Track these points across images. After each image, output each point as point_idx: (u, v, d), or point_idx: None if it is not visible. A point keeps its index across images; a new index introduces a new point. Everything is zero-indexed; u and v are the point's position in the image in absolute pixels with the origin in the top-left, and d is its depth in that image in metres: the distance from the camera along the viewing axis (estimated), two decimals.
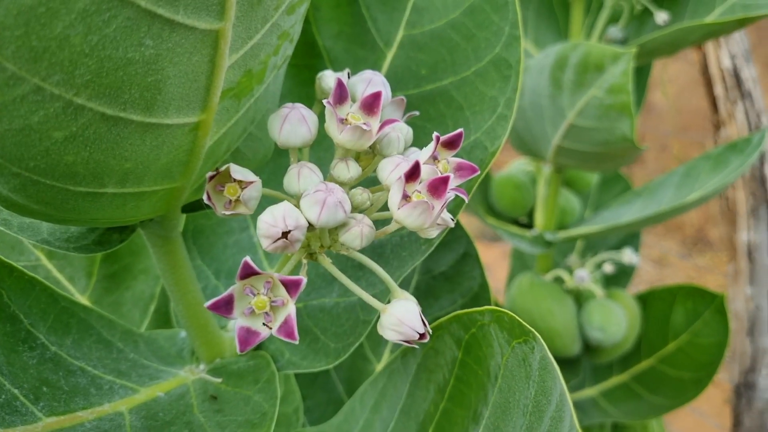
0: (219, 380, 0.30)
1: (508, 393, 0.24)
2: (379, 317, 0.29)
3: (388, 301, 0.25)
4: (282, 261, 0.27)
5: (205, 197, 0.22)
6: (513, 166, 0.87)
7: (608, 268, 0.79)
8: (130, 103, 0.18)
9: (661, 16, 0.70)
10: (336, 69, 0.35)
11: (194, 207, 0.29)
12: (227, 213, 0.21)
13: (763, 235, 1.51)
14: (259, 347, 0.32)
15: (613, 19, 0.79)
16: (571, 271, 0.81)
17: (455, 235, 0.41)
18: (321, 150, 0.34)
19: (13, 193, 0.20)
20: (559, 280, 0.79)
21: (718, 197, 1.71)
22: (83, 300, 0.37)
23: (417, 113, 0.29)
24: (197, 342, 0.31)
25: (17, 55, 0.15)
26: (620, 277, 0.87)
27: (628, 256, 0.79)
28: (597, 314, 0.74)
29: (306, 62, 0.35)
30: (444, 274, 0.41)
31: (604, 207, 0.92)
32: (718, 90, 1.50)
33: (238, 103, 0.23)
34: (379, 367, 0.45)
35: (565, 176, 0.87)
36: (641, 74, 0.80)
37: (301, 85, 0.35)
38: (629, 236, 0.89)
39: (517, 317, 0.23)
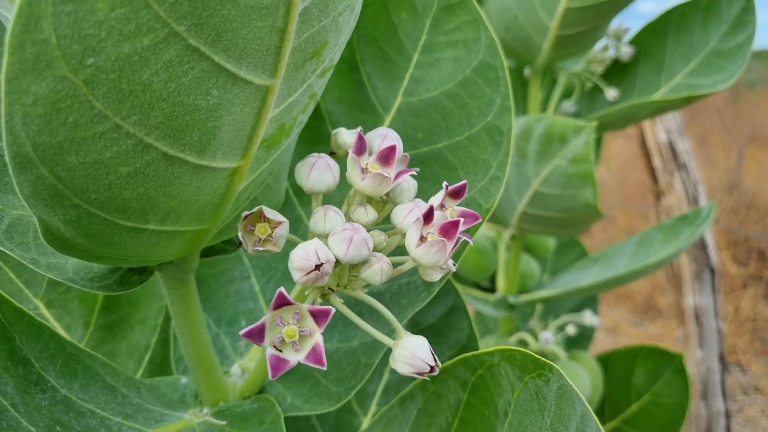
0: (224, 423, 0.30)
1: (519, 427, 0.26)
2: (379, 359, 0.31)
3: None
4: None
5: (239, 234, 0.24)
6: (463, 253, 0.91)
7: (571, 329, 0.82)
8: (189, 145, 0.20)
9: (610, 93, 0.77)
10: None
11: (209, 252, 0.30)
12: (259, 249, 0.23)
13: (708, 298, 1.58)
14: (261, 391, 0.33)
15: (566, 95, 0.86)
16: (534, 333, 0.84)
17: (444, 288, 0.43)
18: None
19: (65, 225, 0.21)
20: (523, 343, 0.81)
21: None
22: None
23: (417, 170, 0.32)
24: (203, 385, 0.31)
25: (107, 96, 0.17)
26: (580, 340, 0.90)
27: (588, 318, 0.82)
28: None
29: (309, 123, 0.37)
30: (432, 326, 0.43)
31: (562, 271, 0.96)
32: (657, 162, 1.61)
33: (267, 153, 0.25)
34: (366, 421, 0.45)
35: (525, 242, 0.91)
36: (595, 146, 0.86)
37: (303, 143, 0.38)
38: (587, 300, 0.93)
39: (530, 352, 0.25)
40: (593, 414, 0.21)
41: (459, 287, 0.83)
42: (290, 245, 0.37)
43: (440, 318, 0.43)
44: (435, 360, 0.25)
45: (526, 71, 0.79)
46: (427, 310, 0.43)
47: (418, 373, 0.25)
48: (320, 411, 0.31)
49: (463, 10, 0.36)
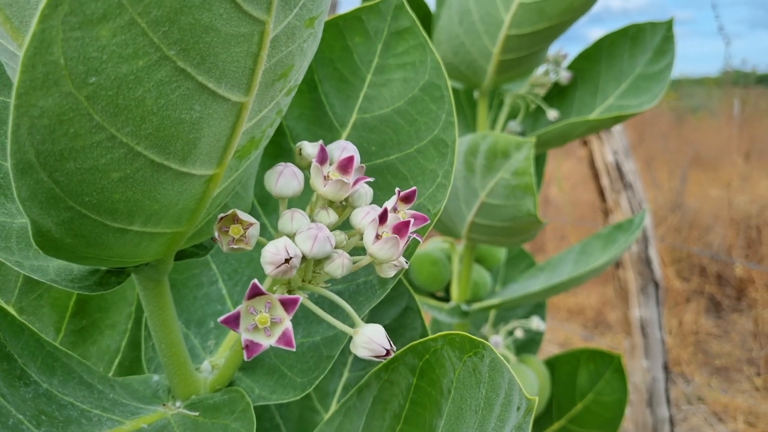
0: (196, 413, 0.33)
1: (461, 401, 0.29)
2: (340, 351, 0.34)
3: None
4: None
5: (216, 234, 0.26)
6: (429, 244, 0.95)
7: (519, 333, 0.87)
8: (173, 153, 0.23)
9: (551, 114, 0.83)
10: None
11: (182, 255, 0.33)
12: (234, 247, 0.26)
13: (653, 310, 1.66)
14: (230, 385, 0.36)
15: (512, 116, 0.92)
16: (486, 339, 0.88)
17: (398, 291, 0.47)
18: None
19: (57, 226, 0.23)
20: None
21: (612, 278, 1.87)
22: None
23: (373, 178, 0.35)
24: (175, 380, 0.34)
25: (105, 109, 0.20)
26: (530, 345, 0.95)
27: (536, 323, 0.87)
28: None
29: (272, 138, 0.40)
30: (387, 326, 0.46)
31: (512, 281, 1.01)
32: (605, 181, 1.69)
33: (239, 163, 0.28)
34: (325, 419, 0.48)
35: (477, 254, 0.95)
36: (539, 162, 0.92)
37: (267, 156, 0.41)
38: (536, 307, 0.98)
39: (467, 334, 0.29)
40: (517, 380, 0.25)
41: (416, 296, 0.87)
42: (256, 251, 0.39)
43: (395, 318, 0.46)
44: (390, 344, 0.28)
45: (475, 93, 0.84)
46: (382, 311, 0.47)
47: (375, 356, 0.28)
48: (286, 400, 0.34)
49: (411, 35, 0.40)
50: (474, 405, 0.28)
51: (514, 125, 0.90)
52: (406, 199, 0.30)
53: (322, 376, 0.35)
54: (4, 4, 0.24)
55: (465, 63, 0.78)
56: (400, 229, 0.27)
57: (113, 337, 0.40)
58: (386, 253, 0.27)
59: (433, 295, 0.94)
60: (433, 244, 0.95)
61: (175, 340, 0.33)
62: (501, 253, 1.01)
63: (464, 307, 0.88)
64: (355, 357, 0.49)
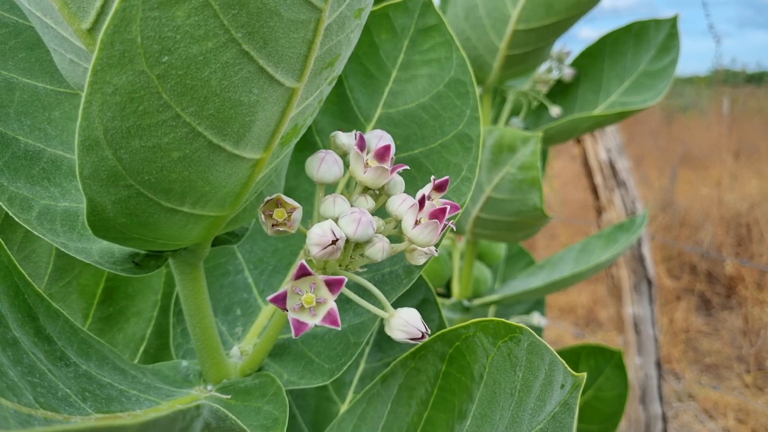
0: (228, 396, 0.33)
1: (494, 386, 0.30)
2: (368, 335, 0.34)
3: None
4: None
5: (261, 217, 0.27)
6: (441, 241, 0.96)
7: None
8: (229, 135, 0.23)
9: (554, 110, 0.84)
10: (322, 138, 0.42)
11: (216, 242, 0.33)
12: (279, 230, 0.27)
13: (646, 308, 1.68)
14: (260, 369, 0.36)
15: (515, 113, 0.93)
16: None
17: (415, 283, 0.47)
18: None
19: (113, 204, 0.24)
20: None
21: (606, 276, 1.89)
22: None
23: (408, 167, 0.36)
24: (207, 364, 0.34)
25: (173, 89, 0.21)
26: None
27: (536, 318, 0.88)
28: None
29: None
30: None
31: (511, 278, 1.02)
32: (598, 179, 1.71)
33: (281, 149, 0.28)
34: (344, 407, 0.49)
35: (477, 250, 0.96)
36: (541, 158, 0.93)
37: (294, 149, 0.41)
38: (535, 304, 0.99)
39: (502, 320, 0.30)
40: (560, 359, 0.25)
41: None
42: (280, 241, 0.40)
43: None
44: (425, 327, 0.29)
45: (479, 89, 0.84)
46: (401, 303, 0.47)
47: (411, 339, 0.29)
48: (315, 384, 0.35)
49: (437, 32, 0.40)
50: (509, 388, 0.29)
51: (517, 122, 0.91)
52: (439, 188, 0.31)
53: (350, 362, 0.35)
54: None
55: (470, 58, 0.78)
56: (437, 215, 0.28)
57: (139, 324, 0.40)
58: (426, 237, 0.27)
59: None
60: None
61: (209, 325, 0.33)
62: (501, 250, 1.02)
63: (465, 303, 0.89)
64: (371, 349, 0.50)
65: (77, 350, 0.31)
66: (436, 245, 0.34)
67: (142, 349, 0.40)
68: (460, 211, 0.33)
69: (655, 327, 1.81)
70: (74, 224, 0.30)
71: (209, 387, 0.34)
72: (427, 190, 0.29)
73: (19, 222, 0.28)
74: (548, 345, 0.27)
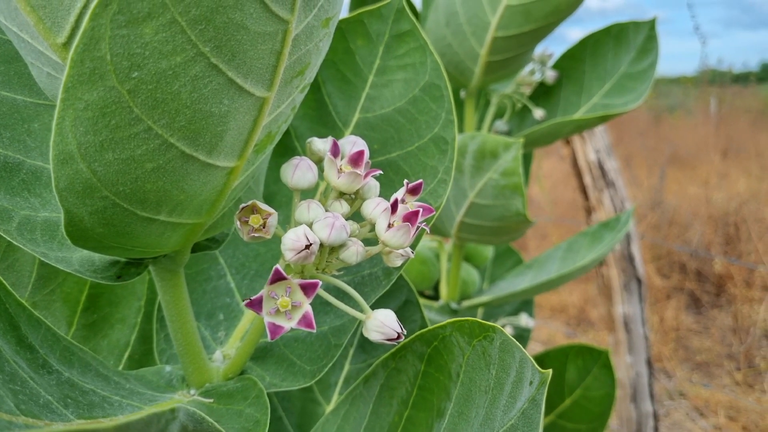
0: (210, 400, 0.34)
1: (470, 384, 0.31)
2: (348, 336, 0.35)
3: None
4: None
5: (237, 224, 0.28)
6: (419, 243, 0.97)
7: (509, 330, 0.89)
8: (202, 145, 0.24)
9: (538, 113, 0.85)
10: (301, 144, 0.43)
11: (196, 248, 0.34)
12: (254, 236, 0.28)
13: (636, 307, 1.70)
14: (242, 373, 0.37)
15: (499, 115, 0.94)
16: None
17: (397, 285, 0.48)
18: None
19: (90, 215, 0.25)
20: None
21: (595, 276, 1.90)
22: None
23: (381, 171, 0.37)
24: (190, 368, 0.35)
25: (144, 102, 0.21)
26: (518, 341, 0.97)
27: (524, 320, 0.89)
28: None
29: None
30: None
31: (499, 279, 1.03)
32: (587, 180, 1.73)
33: (256, 156, 0.29)
34: (329, 409, 0.49)
35: (465, 252, 0.97)
36: (525, 160, 0.94)
37: (273, 155, 0.42)
38: (523, 304, 1.00)
39: (477, 319, 0.30)
40: (529, 356, 0.26)
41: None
42: (262, 246, 0.41)
43: (395, 311, 0.48)
44: (401, 328, 0.30)
45: (462, 93, 0.85)
46: (383, 304, 0.48)
47: (387, 339, 0.29)
48: (297, 387, 0.35)
49: (412, 38, 0.41)
50: (484, 386, 0.30)
51: (501, 124, 0.92)
52: (413, 191, 0.31)
53: (330, 364, 0.36)
54: (37, 5, 0.25)
55: (452, 64, 0.79)
56: (410, 218, 0.29)
57: (123, 331, 0.41)
58: (398, 240, 0.28)
59: (422, 294, 0.95)
60: (422, 243, 0.97)
61: (191, 330, 0.34)
62: (488, 252, 1.02)
63: (453, 305, 0.89)
64: (355, 350, 0.51)
65: (60, 358, 0.32)
66: (413, 247, 0.34)
67: (126, 355, 0.41)
68: (435, 213, 0.34)
69: (645, 325, 1.82)
70: (54, 234, 0.30)
71: (192, 391, 0.35)
72: (400, 193, 0.30)
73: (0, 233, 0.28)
74: (518, 343, 0.27)
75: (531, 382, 0.26)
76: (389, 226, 0.29)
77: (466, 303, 0.89)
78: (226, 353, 0.37)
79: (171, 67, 0.21)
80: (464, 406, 0.31)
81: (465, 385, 0.32)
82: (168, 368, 0.37)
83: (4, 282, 0.29)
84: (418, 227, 0.29)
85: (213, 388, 0.35)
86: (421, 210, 0.29)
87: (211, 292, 0.40)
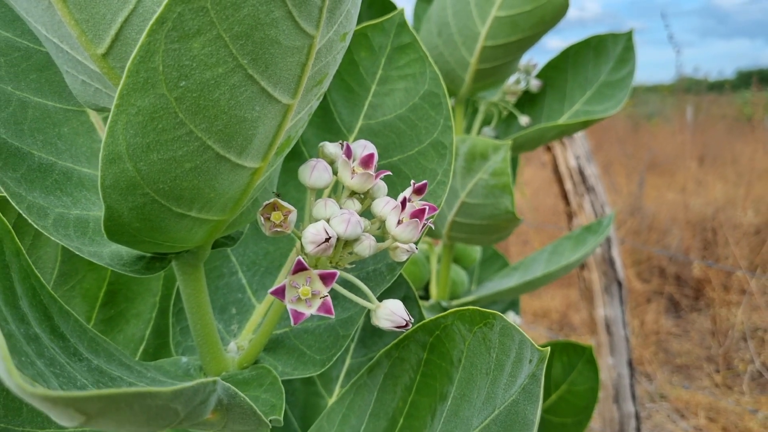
0: (229, 386, 0.36)
1: (471, 368, 0.34)
2: (355, 327, 0.38)
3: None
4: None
5: (260, 220, 0.30)
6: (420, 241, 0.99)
7: None
8: (234, 147, 0.27)
9: (523, 119, 0.89)
10: (308, 149, 0.45)
11: (215, 245, 0.36)
12: (276, 230, 0.30)
13: (617, 309, 1.74)
14: (256, 362, 0.39)
15: (486, 122, 0.97)
16: None
17: (397, 282, 0.51)
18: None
19: (130, 211, 0.27)
20: None
21: (576, 281, 1.94)
22: None
23: (390, 173, 0.39)
24: (207, 358, 0.37)
25: (188, 108, 0.24)
26: None
27: (512, 318, 0.92)
28: None
29: None
30: None
31: (487, 280, 1.06)
32: (568, 185, 1.77)
33: (276, 159, 0.32)
34: (331, 401, 0.52)
35: (454, 253, 1.00)
36: (512, 165, 0.97)
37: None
38: (510, 304, 1.03)
39: (478, 308, 0.33)
40: (528, 338, 0.29)
41: None
42: (271, 244, 0.43)
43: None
44: (409, 316, 0.32)
45: (452, 100, 0.89)
46: (382, 300, 0.50)
47: (396, 327, 0.32)
48: (308, 375, 0.38)
49: (412, 50, 0.44)
50: (485, 369, 0.33)
51: (489, 131, 0.95)
52: (418, 191, 0.34)
53: (339, 353, 0.39)
54: (81, 19, 0.27)
55: (443, 72, 0.83)
56: (418, 214, 0.32)
57: (138, 326, 0.43)
58: (407, 235, 0.31)
59: None
60: None
61: (209, 321, 0.36)
62: (476, 253, 1.06)
63: (443, 305, 0.92)
64: (356, 345, 0.53)
65: (87, 347, 0.34)
66: (417, 243, 0.37)
67: (141, 349, 0.43)
68: (438, 211, 0.36)
69: (626, 328, 1.87)
70: (86, 230, 0.33)
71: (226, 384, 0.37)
72: (407, 193, 0.33)
73: (38, 228, 0.30)
74: (518, 328, 0.30)
75: (530, 360, 0.28)
76: (399, 222, 0.31)
77: (455, 302, 0.92)
78: (239, 344, 0.40)
79: (214, 77, 0.23)
80: (466, 388, 0.34)
81: (466, 369, 0.34)
82: (185, 359, 0.39)
83: (38, 275, 0.31)
84: (424, 223, 0.32)
85: (230, 376, 0.37)
86: (427, 207, 0.32)
87: (224, 288, 0.43)
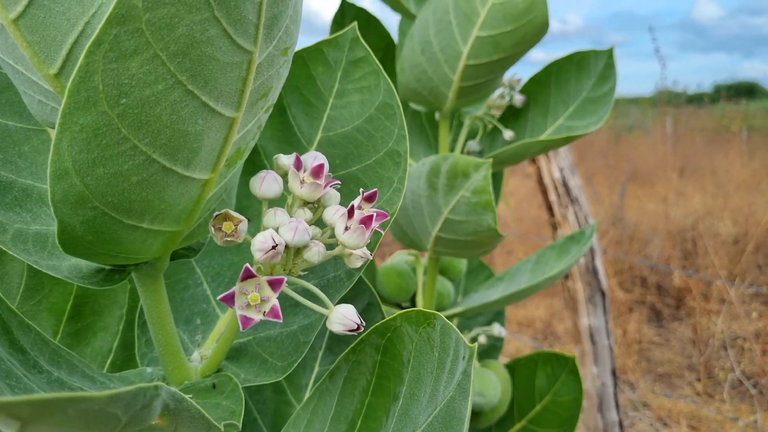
0: (190, 396, 0.37)
1: (419, 367, 0.35)
2: (315, 333, 0.39)
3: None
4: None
5: (211, 230, 0.32)
6: (395, 257, 1.01)
7: (482, 339, 0.92)
8: (180, 160, 0.28)
9: (507, 134, 0.90)
10: (269, 162, 0.47)
11: (174, 256, 0.38)
12: (227, 239, 0.31)
13: (601, 319, 1.76)
14: (219, 370, 0.40)
15: (471, 136, 0.99)
16: None
17: (360, 289, 0.52)
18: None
19: (81, 224, 0.28)
20: None
21: (561, 291, 1.96)
22: None
23: (339, 182, 0.41)
24: (170, 367, 0.38)
25: (131, 124, 0.25)
26: (491, 351, 1.01)
27: (497, 329, 0.93)
28: (476, 381, 0.86)
29: (249, 157, 0.46)
30: None
31: (473, 291, 1.07)
32: (553, 197, 1.79)
33: (228, 170, 0.33)
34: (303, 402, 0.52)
35: (440, 265, 1.01)
36: (496, 179, 0.99)
37: (244, 173, 0.46)
38: (496, 315, 1.05)
39: (422, 309, 0.34)
40: (461, 336, 0.30)
41: (383, 307, 0.92)
42: (236, 256, 0.44)
43: (360, 313, 0.51)
44: (360, 320, 0.33)
45: (437, 116, 0.90)
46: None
47: (348, 330, 0.33)
48: (269, 381, 0.39)
49: (366, 63, 0.46)
50: (429, 367, 0.34)
51: (474, 144, 0.97)
52: (369, 199, 0.36)
53: (299, 359, 0.40)
54: (33, 41, 0.28)
55: (427, 89, 0.85)
56: (365, 221, 0.33)
57: (105, 338, 0.43)
58: (354, 240, 0.32)
59: (399, 306, 0.99)
60: (399, 257, 1.01)
61: (170, 332, 0.37)
62: (462, 265, 1.07)
63: None
64: (324, 353, 0.54)
65: (49, 359, 0.35)
66: (371, 249, 0.38)
67: (109, 361, 0.44)
68: (390, 218, 0.38)
69: (609, 337, 1.88)
70: (44, 244, 0.34)
71: (172, 389, 0.38)
72: (357, 201, 0.34)
73: None
74: (453, 326, 0.31)
75: (464, 357, 0.30)
76: (346, 228, 0.33)
77: (441, 314, 0.92)
78: (203, 354, 0.41)
79: (154, 93, 0.25)
80: (415, 387, 0.35)
81: (415, 369, 0.36)
82: (149, 369, 0.40)
83: None
84: (372, 230, 0.33)
85: (192, 385, 0.38)
86: (375, 214, 0.33)
87: (189, 299, 0.44)
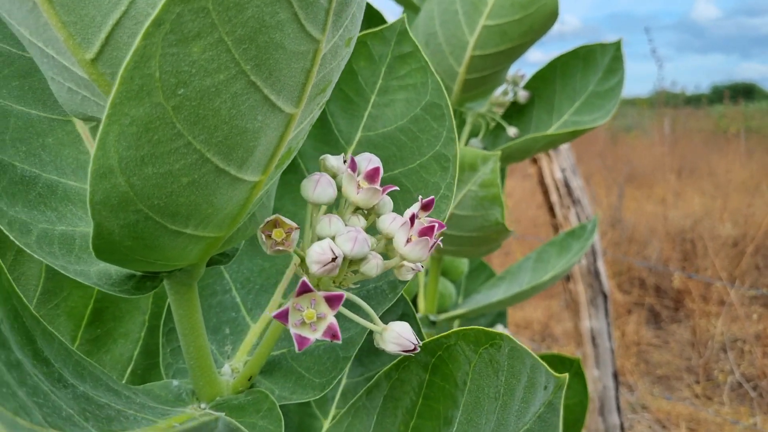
0: (222, 414, 0.34)
1: (478, 392, 0.32)
2: (356, 349, 0.36)
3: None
4: (272, 307, 0.33)
5: (261, 237, 0.28)
6: None
7: None
8: (234, 159, 0.25)
9: (512, 131, 0.88)
10: (304, 161, 0.44)
11: (210, 262, 0.34)
12: (278, 248, 0.28)
13: (602, 321, 1.74)
14: (252, 386, 0.37)
15: (474, 134, 0.96)
16: None
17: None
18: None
19: (121, 229, 0.25)
20: None
21: (561, 292, 1.94)
22: None
23: (397, 188, 0.38)
24: (201, 382, 0.35)
25: (186, 118, 0.22)
26: None
27: (500, 330, 0.91)
28: None
29: None
30: None
31: (474, 292, 1.05)
32: (554, 197, 1.77)
33: (276, 172, 0.30)
34: (326, 423, 0.50)
35: (441, 267, 0.98)
36: (500, 175, 0.96)
37: None
38: (497, 316, 1.02)
39: (482, 328, 0.32)
40: (542, 362, 0.27)
41: None
42: (267, 261, 0.41)
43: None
44: (416, 339, 0.31)
45: None
46: (382, 318, 0.49)
47: (404, 351, 0.30)
48: (307, 399, 0.36)
49: (413, 59, 0.43)
50: (493, 393, 0.31)
51: (476, 142, 0.94)
52: (426, 207, 0.33)
53: (339, 376, 0.37)
54: (69, 21, 0.25)
55: None
56: (426, 232, 0.30)
57: (126, 345, 0.40)
58: (417, 253, 0.29)
59: None
60: None
61: (203, 344, 0.34)
62: (464, 266, 1.04)
63: (432, 318, 0.91)
64: (352, 364, 0.51)
65: (72, 372, 0.32)
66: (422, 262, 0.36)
67: (129, 369, 0.41)
68: (445, 228, 0.35)
69: (611, 339, 1.87)
70: (71, 247, 0.30)
71: (203, 405, 0.35)
72: (415, 208, 0.31)
73: (20, 245, 0.28)
74: (529, 350, 0.29)
75: (546, 387, 0.27)
76: (407, 240, 0.30)
77: (443, 315, 0.90)
78: (234, 367, 0.38)
79: (214, 84, 0.22)
80: (473, 413, 0.32)
81: (472, 392, 0.33)
82: (176, 382, 0.37)
83: (20, 295, 0.29)
84: (435, 242, 0.30)
85: (224, 401, 0.35)
86: (436, 225, 0.30)
87: (217, 307, 0.40)
